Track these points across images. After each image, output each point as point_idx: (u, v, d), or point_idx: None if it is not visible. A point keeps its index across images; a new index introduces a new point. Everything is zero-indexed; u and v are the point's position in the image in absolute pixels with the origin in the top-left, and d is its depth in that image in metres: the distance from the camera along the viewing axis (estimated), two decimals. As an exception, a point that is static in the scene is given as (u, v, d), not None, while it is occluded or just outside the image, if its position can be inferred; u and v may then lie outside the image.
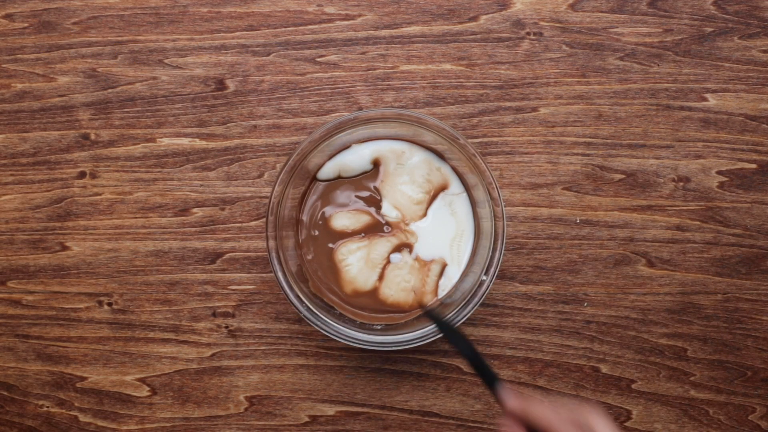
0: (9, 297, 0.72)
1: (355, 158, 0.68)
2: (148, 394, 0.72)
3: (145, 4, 0.72)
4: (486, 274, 0.64)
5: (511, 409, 0.52)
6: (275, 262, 0.64)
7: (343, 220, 0.68)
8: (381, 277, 0.68)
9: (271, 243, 0.64)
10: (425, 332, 0.64)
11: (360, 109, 0.71)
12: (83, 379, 0.72)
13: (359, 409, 0.71)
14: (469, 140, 0.66)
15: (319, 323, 0.64)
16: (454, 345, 0.57)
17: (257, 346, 0.71)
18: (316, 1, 0.71)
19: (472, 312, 0.64)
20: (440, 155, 0.67)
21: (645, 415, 0.71)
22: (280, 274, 0.64)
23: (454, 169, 0.67)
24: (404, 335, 0.64)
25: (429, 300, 0.67)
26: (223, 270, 0.71)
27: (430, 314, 0.61)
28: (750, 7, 0.71)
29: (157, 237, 0.72)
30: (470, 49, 0.71)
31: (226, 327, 0.71)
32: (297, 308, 0.64)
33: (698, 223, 0.71)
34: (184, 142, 0.72)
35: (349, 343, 0.64)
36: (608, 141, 0.71)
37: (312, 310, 0.64)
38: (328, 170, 0.68)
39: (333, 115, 0.71)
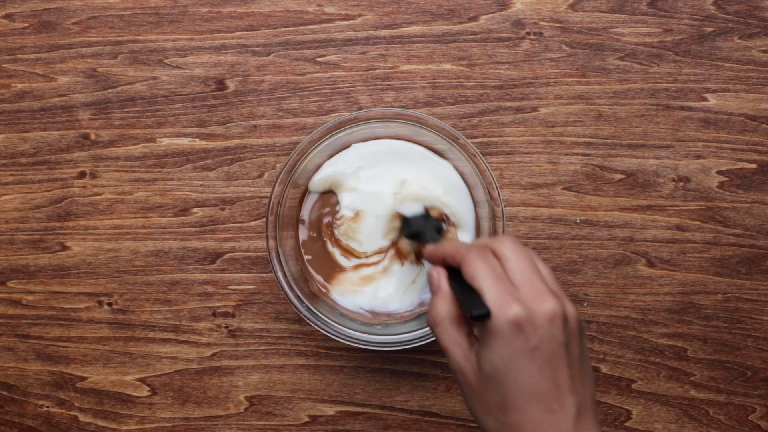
0: (9, 297, 0.72)
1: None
2: (148, 394, 0.72)
3: (145, 4, 0.72)
4: None
5: (427, 256, 0.55)
6: (275, 262, 0.64)
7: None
8: None
9: (271, 243, 0.64)
10: (425, 332, 0.64)
11: (360, 109, 0.71)
12: (83, 379, 0.72)
13: (359, 409, 0.71)
14: (469, 140, 0.66)
15: (319, 323, 0.64)
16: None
17: (257, 346, 0.71)
18: (316, 1, 0.71)
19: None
20: (440, 155, 0.67)
21: (645, 415, 0.71)
22: (280, 274, 0.64)
23: (455, 169, 0.67)
24: (404, 335, 0.64)
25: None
26: (223, 270, 0.71)
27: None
28: (750, 7, 0.71)
29: (157, 237, 0.72)
30: (470, 49, 0.71)
31: (226, 327, 0.71)
32: (297, 308, 0.64)
33: (698, 223, 0.71)
34: (184, 142, 0.72)
35: (349, 343, 0.64)
36: (608, 141, 0.71)
37: (312, 310, 0.64)
38: (318, 182, 0.67)
39: (333, 115, 0.71)
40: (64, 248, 0.72)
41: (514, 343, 0.48)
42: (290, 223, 0.67)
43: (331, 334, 0.64)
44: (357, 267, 0.67)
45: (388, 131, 0.67)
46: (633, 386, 0.71)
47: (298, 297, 0.64)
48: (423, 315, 0.67)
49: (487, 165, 0.64)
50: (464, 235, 0.67)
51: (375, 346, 0.64)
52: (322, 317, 0.64)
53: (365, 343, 0.64)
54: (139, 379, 0.72)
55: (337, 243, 0.67)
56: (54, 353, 0.72)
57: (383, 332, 0.65)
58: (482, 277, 0.50)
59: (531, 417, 0.49)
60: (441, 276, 0.53)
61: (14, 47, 0.72)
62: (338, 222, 0.67)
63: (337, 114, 0.71)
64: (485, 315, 0.48)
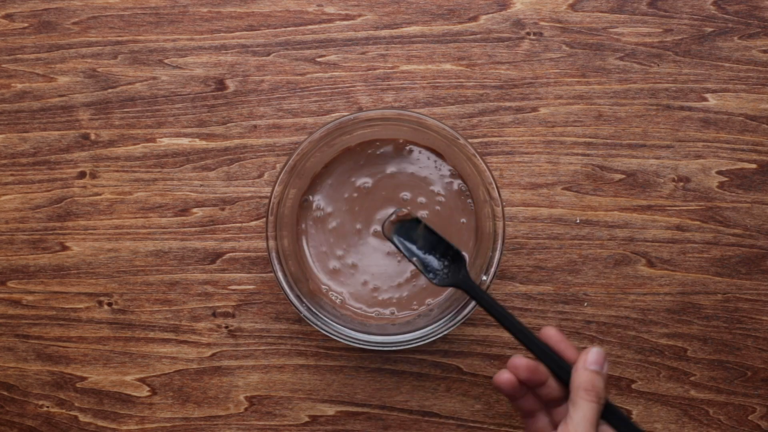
0: (9, 297, 0.72)
1: None
2: (148, 394, 0.72)
3: (145, 4, 0.72)
4: (486, 274, 0.64)
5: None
6: (275, 262, 0.64)
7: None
8: None
9: (271, 243, 0.64)
10: (425, 332, 0.64)
11: (360, 109, 0.71)
12: (83, 379, 0.72)
13: (359, 409, 0.71)
14: (469, 140, 0.66)
15: (319, 323, 0.64)
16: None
17: (257, 346, 0.71)
18: (316, 1, 0.71)
19: (472, 312, 0.64)
20: (440, 155, 0.67)
21: (645, 415, 0.71)
22: (280, 274, 0.64)
23: (454, 169, 0.67)
24: (404, 335, 0.64)
25: None
26: (223, 270, 0.71)
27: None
28: (750, 7, 0.71)
29: (157, 237, 0.72)
30: (470, 49, 0.71)
31: (226, 327, 0.71)
32: (297, 308, 0.64)
33: (698, 223, 0.71)
34: (184, 142, 0.72)
35: (349, 343, 0.64)
36: (608, 141, 0.71)
37: (312, 310, 0.64)
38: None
39: (333, 115, 0.71)
40: (64, 248, 0.72)
41: None
42: (290, 223, 0.67)
43: (331, 334, 0.64)
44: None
45: (389, 132, 0.67)
46: (633, 386, 0.71)
47: (298, 297, 0.64)
48: (423, 315, 0.67)
49: (487, 165, 0.64)
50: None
51: (375, 346, 0.64)
52: (322, 317, 0.64)
53: (365, 343, 0.64)
54: (139, 379, 0.72)
55: None
56: (54, 353, 0.72)
57: (383, 332, 0.65)
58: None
59: None
60: (603, 356, 0.57)
61: (14, 47, 0.72)
62: None
63: (337, 114, 0.71)
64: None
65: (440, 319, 0.64)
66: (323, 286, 0.68)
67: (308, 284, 0.67)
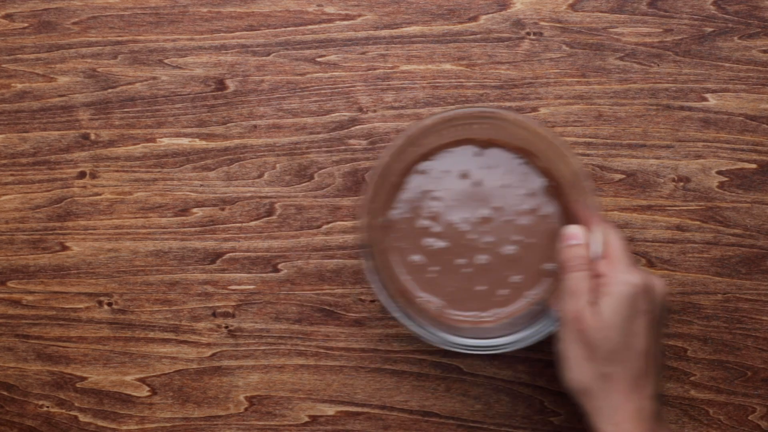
0: (9, 297, 0.72)
1: None
2: (148, 394, 0.72)
3: (145, 4, 0.72)
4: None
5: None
6: (375, 278, 0.62)
7: None
8: None
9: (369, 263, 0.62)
10: (521, 336, 0.62)
11: (360, 109, 0.71)
12: (83, 379, 0.72)
13: (359, 409, 0.71)
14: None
15: (430, 336, 0.61)
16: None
17: (257, 346, 0.71)
18: (316, 1, 0.71)
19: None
20: (531, 153, 0.66)
21: (645, 415, 0.71)
22: (382, 289, 0.62)
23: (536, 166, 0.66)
24: (502, 339, 0.62)
25: None
26: (223, 270, 0.71)
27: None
28: (750, 7, 0.71)
29: (157, 237, 0.72)
30: (470, 49, 0.71)
31: (226, 327, 0.71)
32: (390, 309, 0.62)
33: (698, 223, 0.71)
34: (184, 142, 0.72)
35: (450, 349, 0.62)
36: (608, 141, 0.71)
37: (411, 317, 0.62)
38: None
39: (333, 115, 0.71)
40: (64, 248, 0.72)
41: (636, 300, 0.57)
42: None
43: (423, 336, 0.62)
44: None
45: (476, 132, 0.65)
46: (633, 386, 0.71)
47: (391, 298, 0.62)
48: (517, 317, 0.65)
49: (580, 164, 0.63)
50: None
51: (485, 350, 0.61)
52: (430, 328, 0.62)
53: (473, 348, 0.61)
54: (139, 379, 0.72)
55: None
56: (54, 353, 0.72)
57: (477, 335, 0.63)
58: (618, 243, 0.60)
59: (630, 372, 0.57)
60: (581, 230, 0.61)
61: (14, 47, 0.72)
62: None
63: (337, 114, 0.71)
64: None
65: (536, 324, 0.62)
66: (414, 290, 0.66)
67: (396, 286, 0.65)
